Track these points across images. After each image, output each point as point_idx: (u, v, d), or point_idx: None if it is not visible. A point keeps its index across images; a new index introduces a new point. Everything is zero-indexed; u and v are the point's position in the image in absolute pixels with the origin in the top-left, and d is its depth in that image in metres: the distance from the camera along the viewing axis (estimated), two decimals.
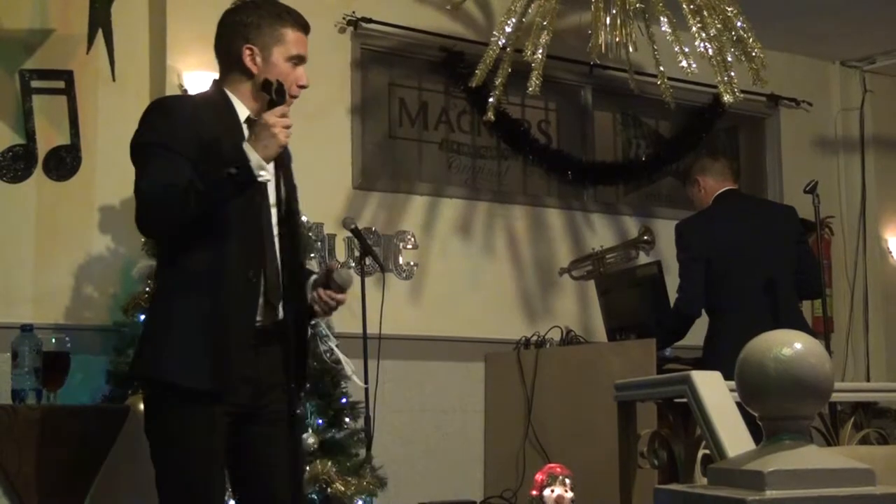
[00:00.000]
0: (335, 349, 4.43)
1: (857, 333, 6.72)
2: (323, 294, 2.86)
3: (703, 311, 4.68)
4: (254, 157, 2.60)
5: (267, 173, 2.67)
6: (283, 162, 2.84)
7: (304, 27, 2.87)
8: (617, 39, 4.69)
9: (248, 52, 2.81)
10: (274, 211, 2.79)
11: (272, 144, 2.63)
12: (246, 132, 2.78)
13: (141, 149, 2.74)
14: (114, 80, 4.60)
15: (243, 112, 2.83)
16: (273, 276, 2.78)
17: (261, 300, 2.77)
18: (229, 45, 2.83)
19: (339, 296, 2.86)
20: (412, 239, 5.46)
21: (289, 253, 2.82)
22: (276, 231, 2.79)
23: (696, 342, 4.69)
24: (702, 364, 4.42)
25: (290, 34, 2.83)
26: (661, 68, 4.99)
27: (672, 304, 4.72)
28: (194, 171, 2.63)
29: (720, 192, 4.80)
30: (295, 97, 2.85)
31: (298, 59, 2.85)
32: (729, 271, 4.60)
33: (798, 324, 4.48)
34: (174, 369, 2.68)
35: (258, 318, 2.77)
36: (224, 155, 2.63)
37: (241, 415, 2.75)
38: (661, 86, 5.02)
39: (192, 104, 2.88)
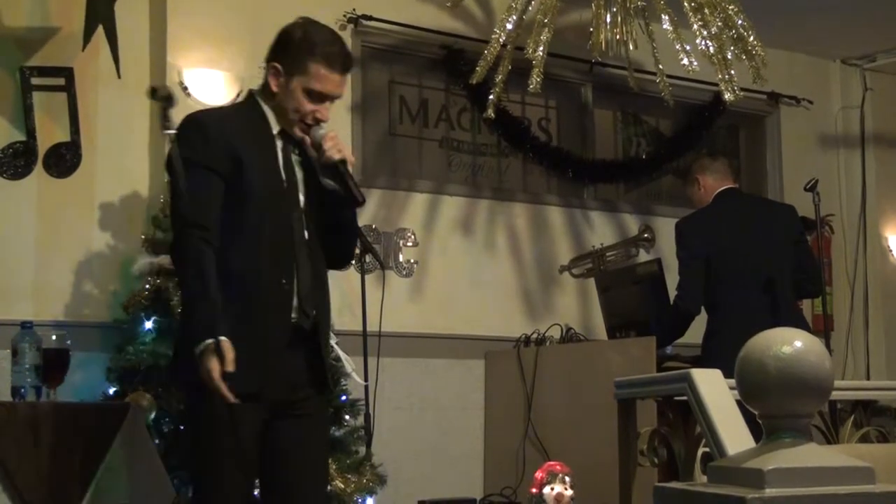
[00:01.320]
0: (335, 346, 4.43)
1: (857, 331, 6.72)
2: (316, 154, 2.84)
3: (703, 309, 4.68)
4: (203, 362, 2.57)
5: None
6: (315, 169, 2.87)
7: (335, 66, 2.81)
8: (618, 37, 4.69)
9: (273, 68, 2.82)
10: (304, 217, 2.83)
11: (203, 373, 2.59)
12: (279, 145, 2.82)
13: (177, 162, 2.74)
14: (119, 77, 4.58)
15: (275, 125, 2.84)
16: (306, 281, 2.81)
17: (294, 303, 2.79)
18: (269, 55, 2.85)
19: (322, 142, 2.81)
20: (412, 236, 5.45)
21: (316, 258, 2.85)
22: (306, 237, 2.82)
23: (696, 340, 4.69)
24: (700, 362, 4.43)
25: (316, 69, 2.78)
26: (661, 66, 4.99)
27: (671, 302, 4.72)
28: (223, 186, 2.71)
29: (720, 190, 4.80)
30: (309, 125, 2.82)
31: (319, 96, 2.81)
32: (728, 269, 4.60)
33: (797, 322, 4.47)
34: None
35: (293, 318, 2.79)
36: (210, 295, 2.62)
37: (272, 415, 2.79)
38: (661, 84, 5.02)
39: (222, 117, 2.89)
